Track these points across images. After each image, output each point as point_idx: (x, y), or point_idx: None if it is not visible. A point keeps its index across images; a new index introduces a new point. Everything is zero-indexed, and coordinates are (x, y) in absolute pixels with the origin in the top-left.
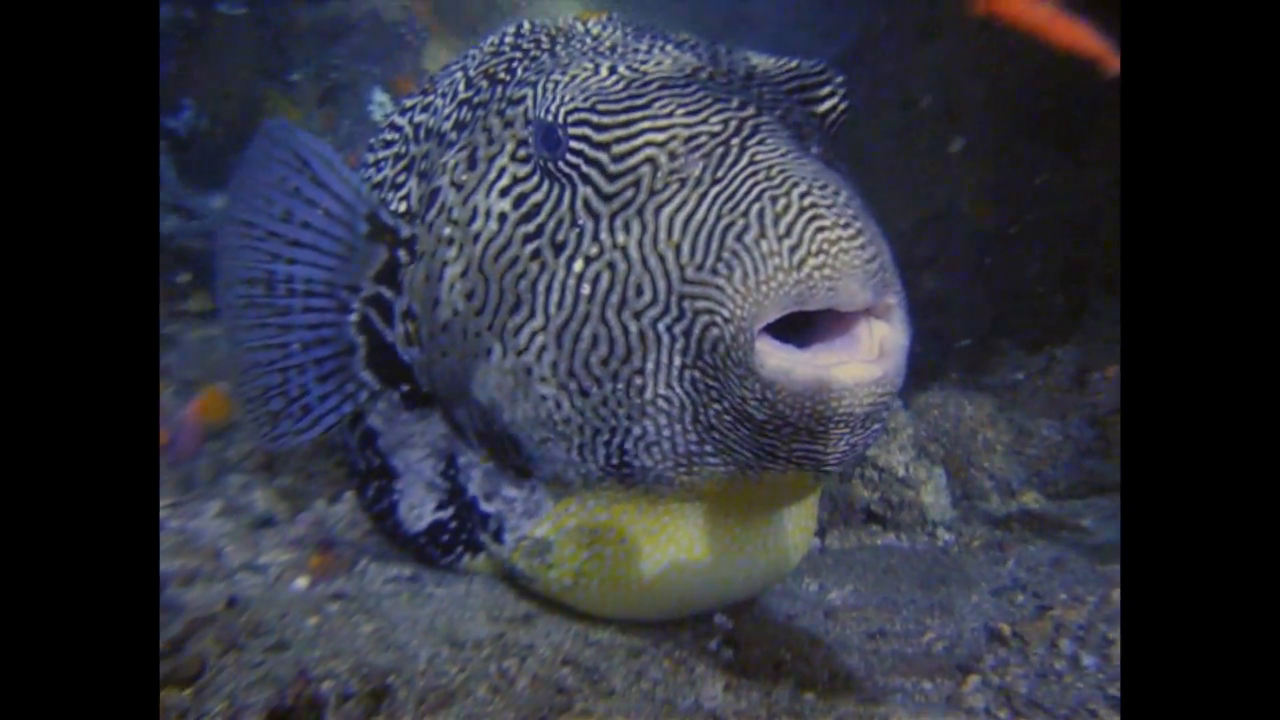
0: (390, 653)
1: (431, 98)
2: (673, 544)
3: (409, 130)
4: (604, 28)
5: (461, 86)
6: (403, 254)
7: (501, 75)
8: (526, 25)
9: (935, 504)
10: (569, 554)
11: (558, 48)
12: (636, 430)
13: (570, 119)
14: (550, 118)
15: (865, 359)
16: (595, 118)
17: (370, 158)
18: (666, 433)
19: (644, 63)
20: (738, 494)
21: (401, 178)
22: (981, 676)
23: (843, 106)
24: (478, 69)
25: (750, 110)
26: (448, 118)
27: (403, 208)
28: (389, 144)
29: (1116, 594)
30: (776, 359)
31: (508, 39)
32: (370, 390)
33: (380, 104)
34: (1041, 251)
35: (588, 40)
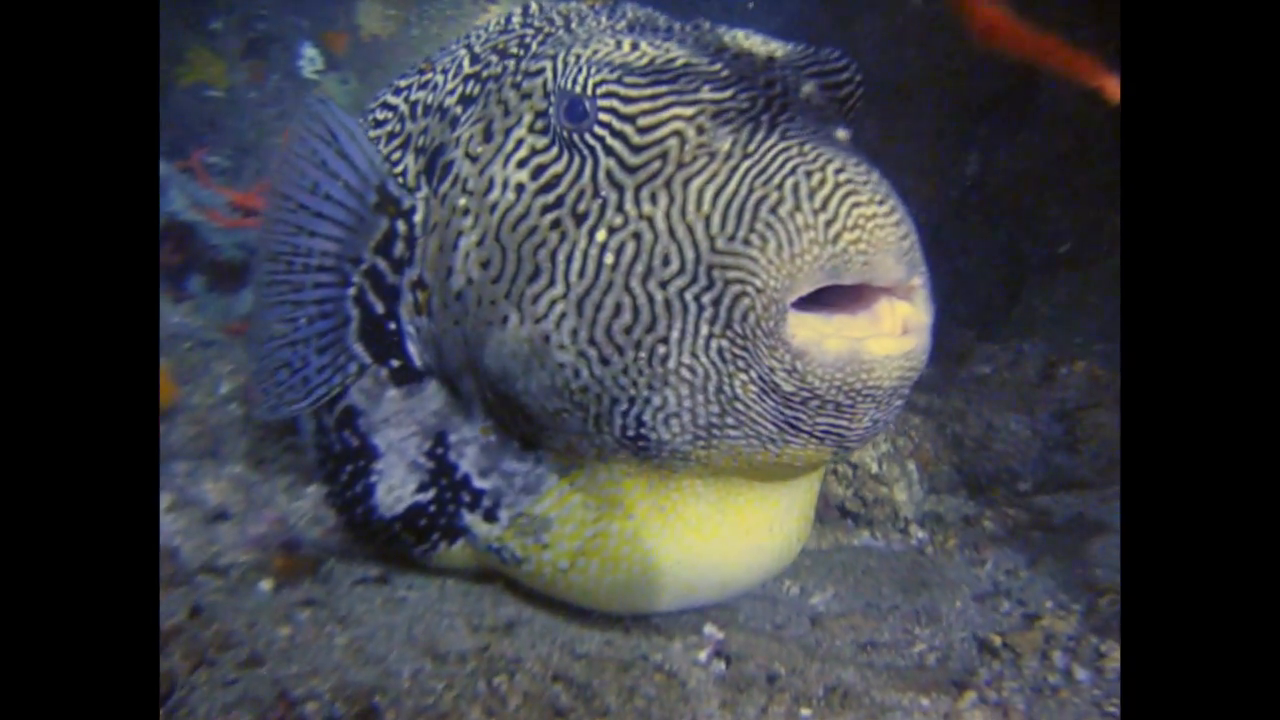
0: (370, 667)
1: (430, 75)
2: (681, 521)
3: (404, 109)
4: (615, 10)
5: (466, 62)
6: (400, 225)
7: (514, 50)
8: (535, 6)
9: (908, 501)
10: (570, 531)
11: (573, 25)
12: (657, 400)
13: (599, 90)
14: (577, 89)
15: (896, 333)
16: (623, 89)
17: None
18: (688, 404)
19: (666, 40)
20: (752, 472)
21: (397, 155)
22: (978, 692)
23: (859, 93)
24: (484, 45)
25: (777, 89)
26: (451, 92)
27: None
28: (381, 123)
29: (1103, 602)
30: (808, 330)
31: (515, 19)
32: (360, 363)
33: (310, 59)
34: (983, 233)
35: (603, 20)
